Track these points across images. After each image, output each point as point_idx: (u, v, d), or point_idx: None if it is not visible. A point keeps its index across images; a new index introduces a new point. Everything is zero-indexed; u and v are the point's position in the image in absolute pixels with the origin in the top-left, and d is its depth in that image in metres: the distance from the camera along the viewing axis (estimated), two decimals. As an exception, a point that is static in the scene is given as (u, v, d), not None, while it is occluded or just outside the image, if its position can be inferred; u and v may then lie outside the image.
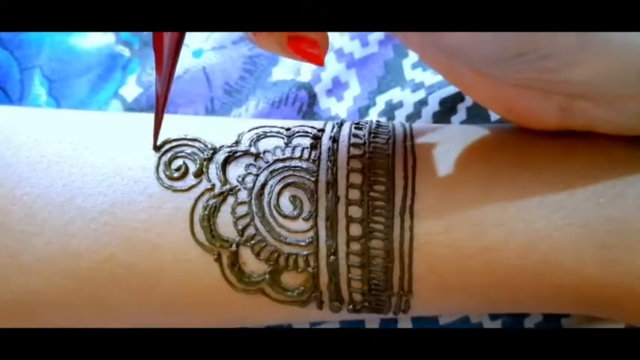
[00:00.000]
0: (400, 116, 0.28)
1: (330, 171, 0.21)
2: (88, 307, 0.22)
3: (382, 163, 0.21)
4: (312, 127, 0.23)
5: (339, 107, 0.29)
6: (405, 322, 0.26)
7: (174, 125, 0.23)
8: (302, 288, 0.21)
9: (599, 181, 0.20)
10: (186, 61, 0.31)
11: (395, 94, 0.28)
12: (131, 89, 0.32)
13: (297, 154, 0.22)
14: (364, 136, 0.22)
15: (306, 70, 0.29)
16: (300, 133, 0.23)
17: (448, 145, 0.22)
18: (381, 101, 0.28)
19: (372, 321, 0.26)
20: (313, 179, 0.21)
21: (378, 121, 0.23)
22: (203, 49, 0.31)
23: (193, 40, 0.32)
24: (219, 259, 0.21)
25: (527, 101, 0.20)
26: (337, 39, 0.29)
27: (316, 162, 0.22)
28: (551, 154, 0.21)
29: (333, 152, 0.22)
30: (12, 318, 0.23)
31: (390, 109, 0.28)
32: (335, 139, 0.22)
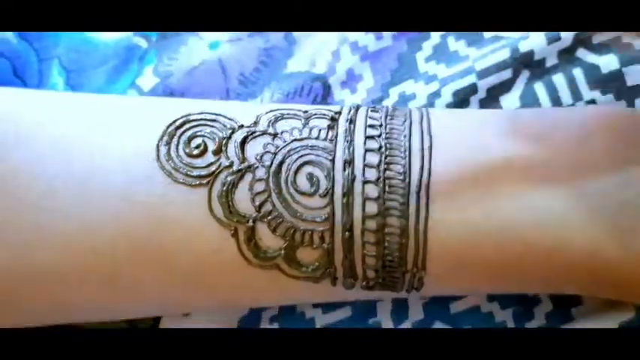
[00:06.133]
0: (413, 108, 0.28)
1: (347, 150, 0.22)
2: (105, 284, 0.23)
3: (399, 144, 0.22)
4: (329, 110, 0.23)
5: (352, 99, 0.29)
6: (416, 310, 0.26)
7: (194, 107, 0.24)
8: (317, 264, 0.22)
9: (613, 165, 0.21)
10: (202, 52, 0.32)
11: (408, 87, 0.29)
12: (148, 79, 0.32)
13: (315, 134, 0.22)
14: (381, 117, 0.23)
15: (321, 62, 0.30)
16: (318, 116, 0.23)
17: (465, 125, 0.22)
18: (395, 93, 0.29)
19: (383, 311, 0.26)
20: (330, 158, 0.22)
21: (394, 106, 0.24)
22: (220, 41, 0.32)
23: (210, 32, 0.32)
24: (235, 235, 0.21)
25: None
26: (352, 32, 0.30)
27: (333, 142, 0.22)
28: (568, 138, 0.22)
29: (350, 133, 0.22)
30: (29, 294, 0.23)
31: (404, 101, 0.28)
32: (352, 121, 0.23)
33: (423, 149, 0.22)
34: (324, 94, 0.29)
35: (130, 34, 0.34)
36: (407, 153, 0.22)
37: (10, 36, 0.34)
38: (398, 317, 0.26)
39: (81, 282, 0.23)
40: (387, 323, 0.26)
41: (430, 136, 0.22)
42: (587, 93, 0.26)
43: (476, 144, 0.22)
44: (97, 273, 0.22)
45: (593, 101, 0.26)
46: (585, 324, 0.24)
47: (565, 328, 0.25)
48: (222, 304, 0.24)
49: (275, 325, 0.26)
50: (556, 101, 0.26)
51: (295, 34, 0.31)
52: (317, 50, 0.30)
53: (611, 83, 0.26)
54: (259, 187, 0.22)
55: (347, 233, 0.21)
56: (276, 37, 0.32)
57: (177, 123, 0.23)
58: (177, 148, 0.22)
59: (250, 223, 0.21)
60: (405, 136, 0.22)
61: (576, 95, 0.26)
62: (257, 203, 0.22)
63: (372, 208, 0.21)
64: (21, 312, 0.25)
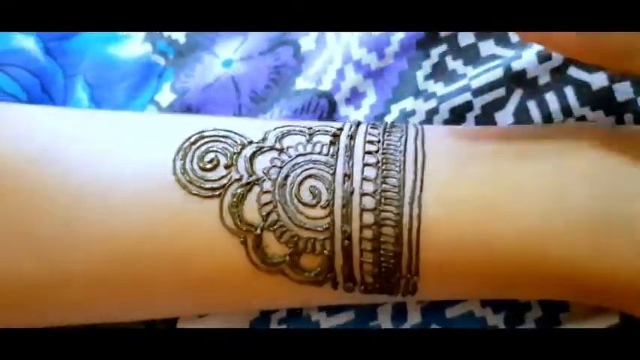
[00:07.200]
0: (413, 124, 0.30)
1: (346, 164, 0.24)
2: (126, 288, 0.25)
3: (394, 159, 0.24)
4: (331, 127, 0.25)
5: (356, 115, 0.31)
6: (414, 314, 0.28)
7: (208, 124, 0.26)
8: (319, 269, 0.23)
9: (597, 176, 0.22)
10: (216, 69, 0.34)
11: (408, 104, 0.30)
12: (166, 96, 0.34)
13: (318, 149, 0.24)
14: (379, 134, 0.24)
15: (327, 80, 0.32)
16: (321, 132, 0.25)
17: (456, 142, 0.24)
18: (396, 109, 0.31)
19: (384, 315, 0.28)
20: (331, 172, 0.24)
21: (392, 122, 0.26)
22: (232, 60, 0.34)
23: (223, 50, 0.35)
24: (245, 242, 0.23)
25: None
26: (356, 51, 0.32)
27: (334, 157, 0.24)
28: (553, 149, 0.23)
29: (350, 148, 0.24)
30: (55, 300, 0.25)
31: (404, 117, 0.30)
32: (352, 137, 0.24)
33: (416, 164, 0.23)
34: (330, 111, 0.31)
35: (149, 51, 0.36)
36: (401, 167, 0.23)
37: (38, 54, 0.36)
38: (397, 320, 0.28)
39: (103, 286, 0.25)
40: (387, 326, 0.28)
41: (423, 152, 0.24)
42: (577, 110, 0.28)
43: (465, 160, 0.23)
44: (119, 277, 0.24)
45: (583, 117, 0.28)
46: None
47: (556, 328, 0.26)
48: (233, 306, 0.26)
49: (283, 327, 0.28)
50: (547, 118, 0.28)
51: (303, 51, 0.33)
52: (323, 69, 0.32)
53: (601, 100, 0.27)
54: (266, 198, 0.24)
55: (346, 241, 0.23)
56: (285, 55, 0.34)
57: (192, 139, 0.25)
58: (191, 163, 0.24)
59: (258, 232, 0.23)
60: (400, 152, 0.24)
61: (567, 112, 0.28)
62: (264, 213, 0.23)
63: (368, 218, 0.23)
64: (43, 316, 0.27)
